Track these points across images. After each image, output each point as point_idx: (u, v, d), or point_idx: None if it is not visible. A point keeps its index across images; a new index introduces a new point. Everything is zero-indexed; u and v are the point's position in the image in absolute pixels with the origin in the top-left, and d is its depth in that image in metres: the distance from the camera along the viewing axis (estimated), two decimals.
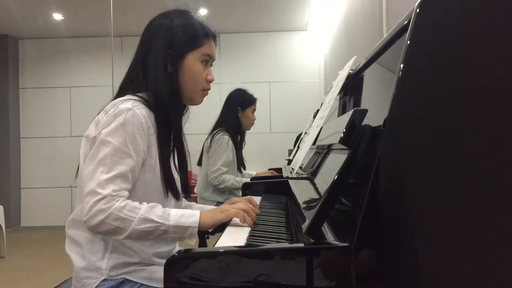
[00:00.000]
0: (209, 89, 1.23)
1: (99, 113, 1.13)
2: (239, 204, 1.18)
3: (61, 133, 5.97)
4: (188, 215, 1.04)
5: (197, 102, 1.22)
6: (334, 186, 0.76)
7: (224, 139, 2.65)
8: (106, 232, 1.00)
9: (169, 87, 1.14)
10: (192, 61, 1.17)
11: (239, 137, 2.82)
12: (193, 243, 1.08)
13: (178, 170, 1.22)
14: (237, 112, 2.74)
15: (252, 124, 2.83)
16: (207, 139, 2.75)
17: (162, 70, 1.14)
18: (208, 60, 1.20)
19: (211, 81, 1.21)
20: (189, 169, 1.27)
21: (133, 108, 1.06)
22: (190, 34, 1.17)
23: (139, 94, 1.13)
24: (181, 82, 1.17)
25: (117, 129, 1.04)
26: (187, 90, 1.18)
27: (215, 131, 2.72)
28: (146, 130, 1.08)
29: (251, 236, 1.01)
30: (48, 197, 5.96)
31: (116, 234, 1.00)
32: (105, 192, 0.98)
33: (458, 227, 0.62)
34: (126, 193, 1.03)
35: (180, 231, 1.03)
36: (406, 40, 0.65)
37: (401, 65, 0.64)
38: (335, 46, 4.15)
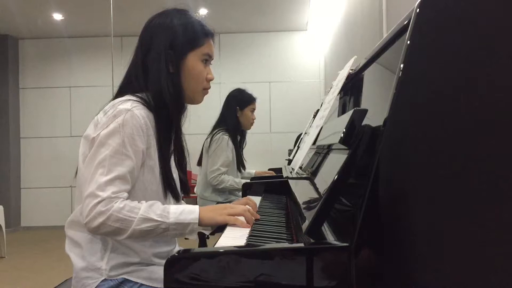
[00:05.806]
0: (209, 88, 1.24)
1: (98, 113, 1.13)
2: (239, 209, 1.14)
3: (61, 133, 5.97)
4: (187, 211, 1.05)
5: (198, 101, 1.24)
6: (334, 186, 0.76)
7: (224, 139, 2.65)
8: (107, 233, 1.01)
9: (172, 87, 1.15)
10: (193, 61, 1.18)
11: (239, 137, 2.81)
12: (193, 238, 1.08)
13: (178, 169, 1.22)
14: (236, 111, 2.73)
15: (251, 124, 2.82)
16: (206, 139, 2.75)
17: (164, 70, 1.14)
18: (207, 59, 1.21)
19: (211, 80, 1.23)
20: (188, 169, 1.28)
21: (132, 109, 1.06)
22: (190, 33, 1.17)
23: (138, 95, 1.13)
24: (182, 82, 1.17)
25: (116, 131, 1.04)
26: (188, 90, 1.19)
27: (214, 131, 2.71)
28: (146, 131, 1.08)
29: (251, 236, 1.01)
30: (48, 197, 5.96)
31: (117, 235, 1.01)
32: (104, 194, 0.99)
33: (458, 226, 0.62)
34: (126, 194, 1.03)
35: (180, 228, 1.03)
36: (406, 40, 0.65)
37: (401, 65, 0.64)
38: (335, 46, 4.15)
